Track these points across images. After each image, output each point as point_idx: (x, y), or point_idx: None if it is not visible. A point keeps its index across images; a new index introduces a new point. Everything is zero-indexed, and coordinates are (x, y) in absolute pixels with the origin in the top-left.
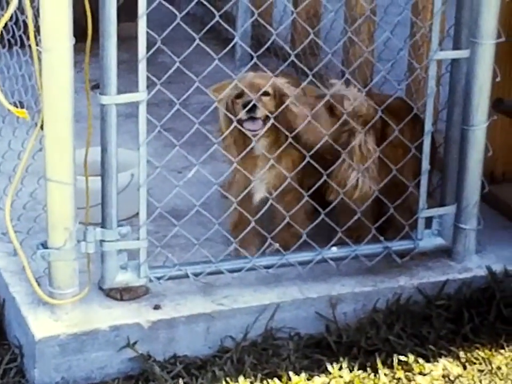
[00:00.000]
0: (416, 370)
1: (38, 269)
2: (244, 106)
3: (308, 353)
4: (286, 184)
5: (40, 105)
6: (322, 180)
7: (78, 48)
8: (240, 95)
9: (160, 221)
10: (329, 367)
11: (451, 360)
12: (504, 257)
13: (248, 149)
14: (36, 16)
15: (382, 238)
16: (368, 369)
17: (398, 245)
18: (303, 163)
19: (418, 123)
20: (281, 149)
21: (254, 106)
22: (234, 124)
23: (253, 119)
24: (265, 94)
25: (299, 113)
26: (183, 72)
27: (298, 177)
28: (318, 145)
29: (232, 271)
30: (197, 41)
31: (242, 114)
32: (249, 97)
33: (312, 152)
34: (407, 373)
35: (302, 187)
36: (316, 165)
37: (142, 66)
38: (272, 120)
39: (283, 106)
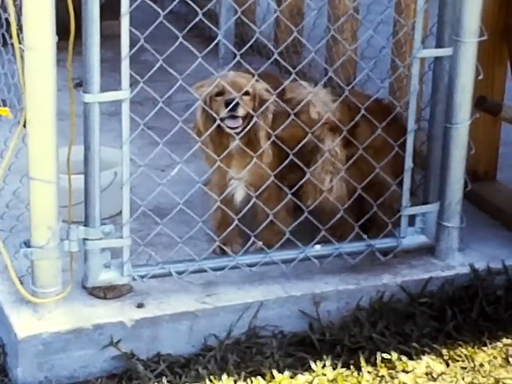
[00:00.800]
0: (400, 368)
1: (21, 268)
2: (227, 104)
3: (291, 351)
4: (265, 181)
5: (23, 104)
6: (305, 178)
7: (61, 46)
8: (220, 93)
9: (144, 219)
10: (312, 365)
11: (434, 357)
12: (486, 255)
13: (229, 148)
14: (19, 14)
15: (365, 236)
16: (351, 367)
17: (381, 243)
18: (285, 162)
19: (393, 123)
20: (261, 148)
21: (237, 104)
22: (216, 121)
23: (233, 117)
24: (246, 93)
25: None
26: (166, 70)
27: (277, 175)
28: (298, 146)
29: (215, 269)
30: (180, 39)
31: (223, 111)
32: (232, 95)
33: (295, 150)
34: (390, 371)
35: (283, 184)
36: (299, 162)
37: (125, 65)
38: (253, 119)
39: (263, 107)
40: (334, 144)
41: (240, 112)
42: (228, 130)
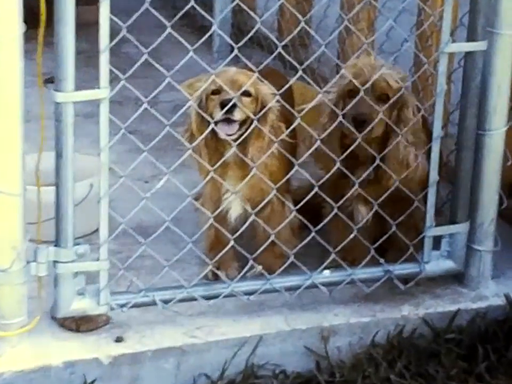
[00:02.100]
0: None
1: None
2: (222, 105)
3: None
4: (266, 196)
5: None
6: (313, 192)
7: (29, 35)
8: (217, 91)
9: (124, 239)
10: None
11: None
12: None
13: (225, 156)
14: None
15: (382, 261)
16: None
17: (401, 269)
18: (290, 173)
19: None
20: (264, 157)
21: (234, 106)
22: (209, 124)
23: (229, 121)
24: (247, 94)
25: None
26: (151, 65)
27: (281, 188)
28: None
29: (207, 297)
30: (168, 29)
31: (217, 113)
32: (229, 96)
33: (301, 160)
34: None
35: (287, 199)
36: (305, 174)
37: (104, 58)
38: (253, 124)
39: (265, 109)
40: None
41: (237, 115)
42: (222, 136)
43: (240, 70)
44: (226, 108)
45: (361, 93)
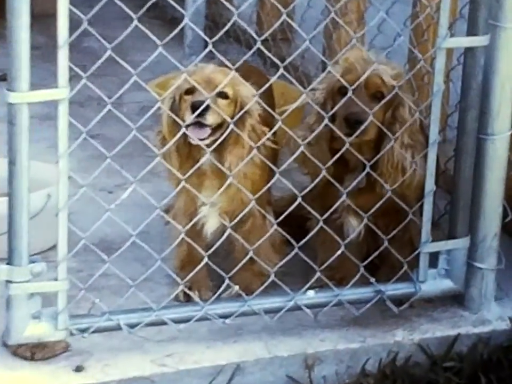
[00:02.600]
0: None
1: None
2: (193, 107)
3: None
4: (245, 208)
5: None
6: (296, 203)
7: None
8: (191, 91)
9: (85, 256)
10: None
11: None
12: None
13: (199, 164)
14: None
15: (373, 280)
16: None
17: (394, 289)
18: (271, 181)
19: None
20: (241, 164)
21: (206, 108)
22: (181, 128)
23: (200, 125)
24: (224, 96)
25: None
26: (116, 61)
27: (262, 200)
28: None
29: (178, 321)
30: (135, 21)
31: (188, 116)
32: (202, 97)
33: (283, 167)
34: None
35: (269, 212)
36: (286, 182)
37: (62, 54)
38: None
39: (242, 111)
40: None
41: (210, 119)
42: (193, 141)
43: (218, 68)
44: (197, 112)
45: (350, 91)
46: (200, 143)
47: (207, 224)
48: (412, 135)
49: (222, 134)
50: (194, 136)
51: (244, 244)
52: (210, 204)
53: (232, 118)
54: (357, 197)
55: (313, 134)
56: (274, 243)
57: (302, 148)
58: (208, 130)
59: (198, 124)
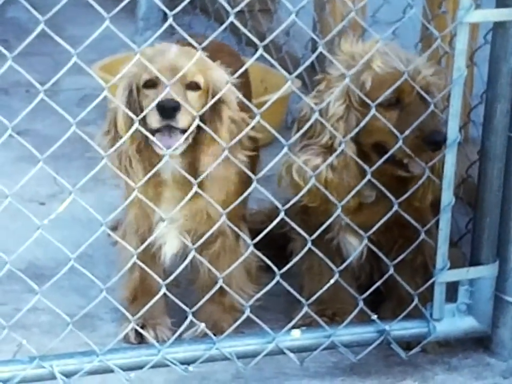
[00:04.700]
0: None
1: None
2: (160, 109)
3: None
4: (213, 225)
5: None
6: (278, 218)
7: None
8: (152, 83)
9: (10, 285)
10: None
11: None
12: None
13: (155, 169)
14: None
15: (374, 316)
16: None
17: (401, 328)
18: (245, 193)
19: None
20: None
21: (177, 107)
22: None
23: (169, 128)
24: (194, 86)
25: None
26: (51, 38)
27: (235, 215)
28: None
29: (128, 368)
30: None
31: (154, 120)
32: (169, 96)
33: (259, 175)
34: None
35: (243, 230)
36: (267, 193)
37: None
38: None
39: (214, 99)
40: None
41: (182, 121)
42: (160, 151)
43: (182, 49)
44: (166, 113)
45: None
46: (169, 153)
47: (165, 245)
48: None
49: (196, 135)
50: (164, 145)
51: (212, 270)
52: (170, 220)
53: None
54: (358, 212)
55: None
56: (249, 269)
57: (313, 175)
58: (180, 136)
59: (167, 128)
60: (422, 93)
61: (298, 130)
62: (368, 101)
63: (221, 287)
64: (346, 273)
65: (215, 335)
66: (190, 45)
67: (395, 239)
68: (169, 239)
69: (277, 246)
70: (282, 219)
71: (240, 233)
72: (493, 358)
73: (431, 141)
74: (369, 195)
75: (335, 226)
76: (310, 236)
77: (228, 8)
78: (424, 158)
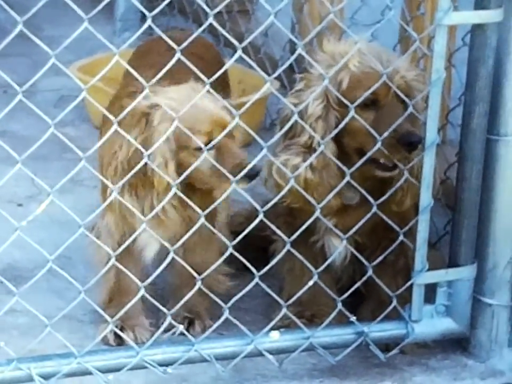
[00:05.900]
0: None
1: None
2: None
3: None
4: (192, 226)
5: None
6: (258, 220)
7: None
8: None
9: None
10: None
11: None
12: None
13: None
14: None
15: (353, 318)
16: None
17: (380, 330)
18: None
19: None
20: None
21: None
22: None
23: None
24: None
25: None
26: (29, 38)
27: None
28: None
29: (106, 370)
30: None
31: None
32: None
33: (238, 176)
34: None
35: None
36: (245, 195)
37: None
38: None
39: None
40: None
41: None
42: None
43: (202, 90)
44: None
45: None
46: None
47: (145, 247)
48: None
49: None
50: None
51: (189, 271)
52: (147, 222)
53: None
54: (343, 214)
55: (315, 155)
56: (224, 252)
57: (292, 177)
58: None
59: None
60: (399, 93)
61: (280, 130)
62: (347, 102)
63: (199, 287)
64: (328, 275)
65: (192, 320)
66: (170, 47)
67: (380, 241)
68: (149, 242)
69: (256, 248)
70: (261, 221)
71: (219, 234)
72: (471, 359)
73: (406, 142)
74: (352, 197)
75: (320, 228)
76: (289, 237)
77: (207, 9)
78: (399, 159)
